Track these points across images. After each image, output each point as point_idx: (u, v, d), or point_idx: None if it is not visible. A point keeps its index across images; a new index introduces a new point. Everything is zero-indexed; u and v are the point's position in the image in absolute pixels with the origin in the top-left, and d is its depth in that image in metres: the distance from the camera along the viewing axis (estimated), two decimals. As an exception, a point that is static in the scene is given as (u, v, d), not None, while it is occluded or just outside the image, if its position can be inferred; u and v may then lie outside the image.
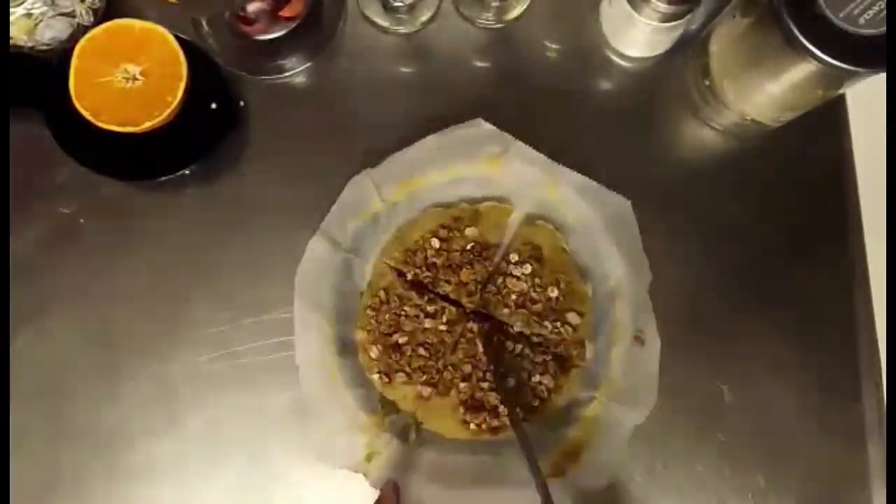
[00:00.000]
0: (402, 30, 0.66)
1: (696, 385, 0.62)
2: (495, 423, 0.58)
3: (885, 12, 0.49)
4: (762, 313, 0.63)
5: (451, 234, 0.61)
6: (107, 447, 0.60)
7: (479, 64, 0.67)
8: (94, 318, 0.62)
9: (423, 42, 0.67)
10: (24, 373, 0.60)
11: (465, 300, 0.60)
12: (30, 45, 0.61)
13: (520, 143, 0.61)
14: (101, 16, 0.63)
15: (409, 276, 0.60)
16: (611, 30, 0.65)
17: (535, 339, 0.60)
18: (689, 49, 0.66)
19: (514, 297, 0.60)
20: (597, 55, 0.67)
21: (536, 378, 0.59)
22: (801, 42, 0.50)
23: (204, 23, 0.65)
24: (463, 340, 0.60)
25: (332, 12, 0.66)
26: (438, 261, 0.60)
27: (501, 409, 0.58)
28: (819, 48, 0.49)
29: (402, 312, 0.60)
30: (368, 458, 0.58)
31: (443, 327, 0.60)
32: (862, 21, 0.49)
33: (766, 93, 0.59)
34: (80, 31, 0.61)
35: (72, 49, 0.57)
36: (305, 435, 0.58)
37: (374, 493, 0.56)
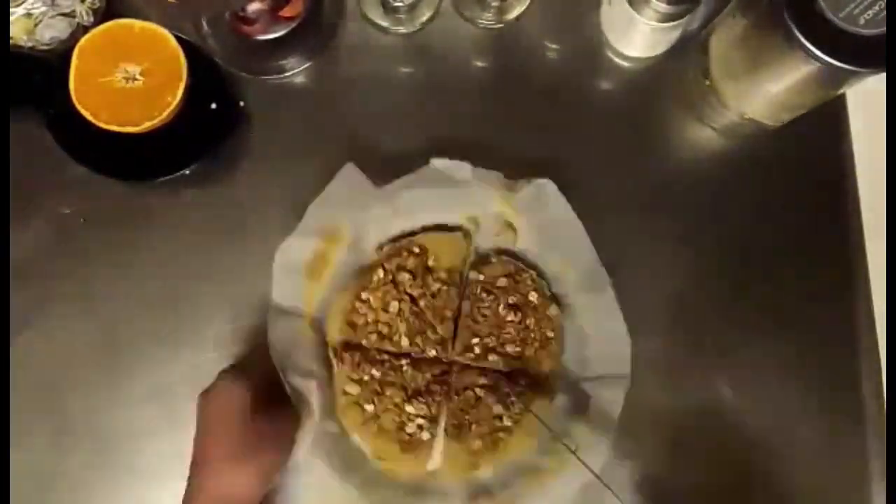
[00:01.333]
0: (402, 30, 0.66)
1: (696, 385, 0.62)
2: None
3: (885, 12, 0.49)
4: (762, 313, 0.63)
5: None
6: (107, 447, 0.60)
7: (479, 64, 0.67)
8: (94, 318, 0.62)
9: (423, 42, 0.67)
10: (24, 373, 0.60)
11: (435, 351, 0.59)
12: (30, 45, 0.61)
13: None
14: (101, 16, 0.63)
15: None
16: (611, 30, 0.65)
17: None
18: (689, 49, 0.66)
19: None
20: (597, 55, 0.67)
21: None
22: (801, 42, 0.50)
23: (204, 23, 0.65)
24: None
25: (332, 12, 0.66)
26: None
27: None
28: (819, 48, 0.49)
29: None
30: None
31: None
32: (862, 21, 0.49)
33: (767, 93, 0.59)
34: (80, 31, 0.61)
35: (72, 49, 0.57)
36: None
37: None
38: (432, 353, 0.58)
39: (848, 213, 0.64)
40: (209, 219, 0.63)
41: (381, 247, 0.61)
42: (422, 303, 0.59)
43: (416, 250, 0.60)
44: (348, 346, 0.59)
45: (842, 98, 0.64)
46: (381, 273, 0.59)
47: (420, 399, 0.57)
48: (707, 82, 0.64)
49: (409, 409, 0.57)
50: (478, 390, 0.58)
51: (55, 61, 0.60)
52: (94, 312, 0.62)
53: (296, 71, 0.66)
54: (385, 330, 0.58)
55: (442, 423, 0.58)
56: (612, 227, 0.63)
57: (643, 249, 0.63)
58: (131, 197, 0.63)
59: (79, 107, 0.57)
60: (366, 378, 0.58)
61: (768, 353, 0.62)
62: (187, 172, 0.62)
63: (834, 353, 0.62)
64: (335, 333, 0.59)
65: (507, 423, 0.58)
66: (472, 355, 0.59)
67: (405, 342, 0.58)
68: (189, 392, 0.60)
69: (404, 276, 0.59)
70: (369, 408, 0.57)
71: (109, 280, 0.62)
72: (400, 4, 0.63)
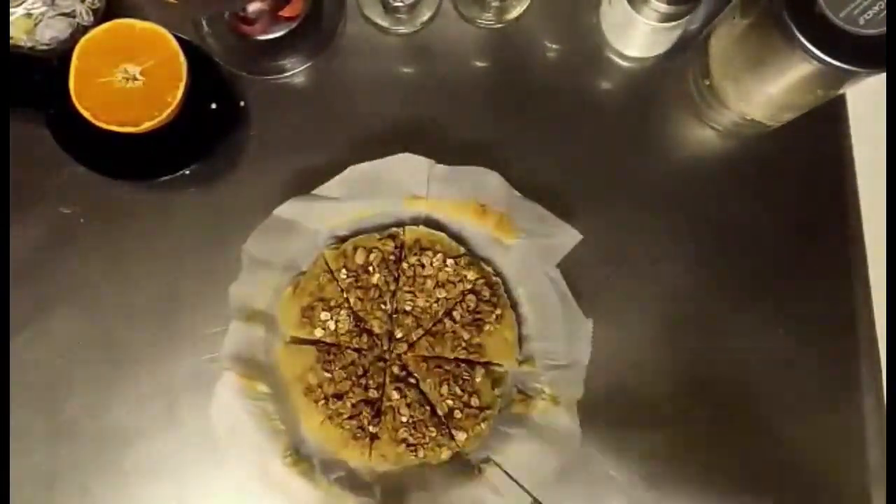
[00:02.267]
0: (402, 30, 0.66)
1: (696, 385, 0.62)
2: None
3: (885, 12, 0.49)
4: (762, 313, 0.63)
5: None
6: (106, 447, 0.60)
7: (479, 64, 0.67)
8: (93, 318, 0.62)
9: (423, 42, 0.67)
10: (24, 373, 0.60)
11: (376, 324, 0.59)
12: (30, 45, 0.61)
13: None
14: (101, 16, 0.63)
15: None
16: (611, 30, 0.65)
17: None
18: (689, 49, 0.66)
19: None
20: (597, 55, 0.67)
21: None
22: (801, 42, 0.49)
23: (204, 23, 0.65)
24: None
25: (332, 12, 0.66)
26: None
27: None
28: (819, 48, 0.49)
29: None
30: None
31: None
32: (862, 21, 0.49)
33: (766, 93, 0.59)
34: (80, 31, 0.61)
35: (72, 49, 0.57)
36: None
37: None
38: (374, 349, 0.58)
39: (848, 212, 0.64)
40: (209, 218, 0.63)
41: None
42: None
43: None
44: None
45: (842, 98, 0.64)
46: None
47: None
48: (707, 82, 0.64)
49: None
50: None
51: (55, 61, 0.60)
52: (94, 312, 0.62)
53: (296, 71, 0.66)
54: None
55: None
56: (611, 225, 0.63)
57: (642, 248, 0.63)
58: (131, 197, 0.63)
59: (79, 107, 0.57)
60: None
61: (768, 351, 0.62)
62: (187, 172, 0.62)
63: (833, 351, 0.62)
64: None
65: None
66: (405, 346, 0.58)
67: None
68: (188, 392, 0.61)
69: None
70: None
71: (109, 280, 0.62)
72: (400, 4, 0.63)
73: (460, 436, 0.57)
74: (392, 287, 0.59)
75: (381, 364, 0.58)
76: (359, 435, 0.57)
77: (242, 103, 0.65)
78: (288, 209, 0.59)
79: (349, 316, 0.58)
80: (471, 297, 0.58)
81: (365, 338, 0.58)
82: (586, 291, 0.61)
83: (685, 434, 0.61)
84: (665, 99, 0.66)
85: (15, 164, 0.61)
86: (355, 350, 0.58)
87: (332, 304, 0.58)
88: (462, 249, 0.60)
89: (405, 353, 0.59)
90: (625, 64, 0.67)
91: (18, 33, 0.61)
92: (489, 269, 0.60)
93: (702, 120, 0.66)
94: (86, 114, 0.57)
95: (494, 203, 0.60)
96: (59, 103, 0.58)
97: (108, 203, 0.63)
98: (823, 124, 0.64)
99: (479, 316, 0.58)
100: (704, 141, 0.66)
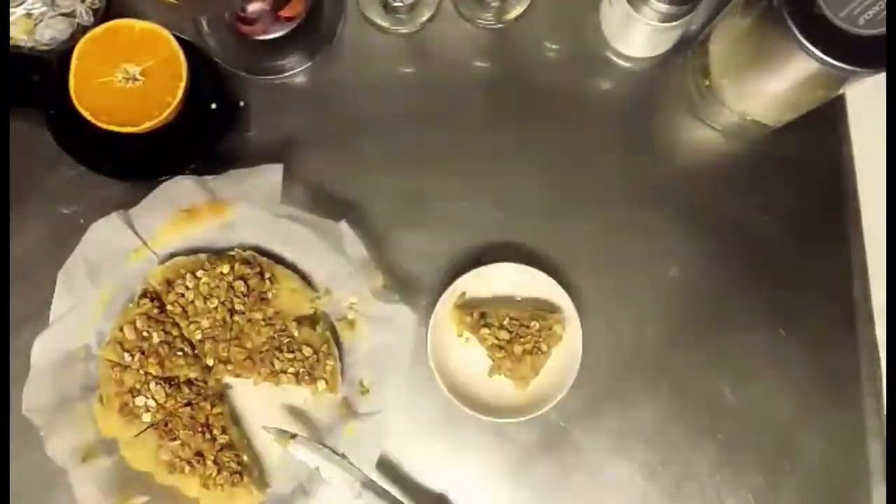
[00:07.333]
0: (402, 30, 0.66)
1: (696, 385, 0.62)
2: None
3: (885, 12, 0.49)
4: (762, 313, 0.63)
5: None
6: (107, 447, 0.60)
7: (479, 64, 0.67)
8: (94, 318, 0.62)
9: (423, 42, 0.67)
10: (24, 373, 0.60)
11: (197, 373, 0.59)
12: (30, 45, 0.61)
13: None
14: (101, 16, 0.63)
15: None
16: (611, 30, 0.65)
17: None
18: (689, 49, 0.66)
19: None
20: (597, 55, 0.67)
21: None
22: (801, 42, 0.49)
23: (204, 23, 0.65)
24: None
25: (332, 12, 0.66)
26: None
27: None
28: (819, 48, 0.49)
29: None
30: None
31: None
32: (862, 21, 0.49)
33: (767, 93, 0.59)
34: (80, 31, 0.61)
35: (72, 49, 0.57)
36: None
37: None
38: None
39: (848, 212, 0.64)
40: (209, 219, 0.63)
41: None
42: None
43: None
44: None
45: (842, 98, 0.64)
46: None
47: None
48: (707, 82, 0.64)
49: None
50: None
51: (55, 61, 0.60)
52: (94, 312, 0.62)
53: (296, 71, 0.66)
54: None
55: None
56: (610, 225, 0.63)
57: (642, 248, 0.63)
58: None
59: (79, 107, 0.57)
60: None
61: (768, 352, 0.62)
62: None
63: (834, 352, 0.62)
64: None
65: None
66: (222, 366, 0.58)
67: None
68: (189, 392, 0.60)
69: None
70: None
71: (109, 280, 0.62)
72: (400, 4, 0.63)
73: (321, 385, 0.58)
74: (174, 332, 0.58)
75: (219, 398, 0.59)
76: (241, 478, 0.57)
77: (242, 103, 0.65)
78: (39, 352, 0.58)
79: (158, 384, 0.57)
80: (238, 283, 0.58)
81: (186, 389, 0.58)
82: (585, 290, 0.61)
83: (684, 433, 0.61)
84: (665, 99, 0.66)
85: (15, 164, 0.61)
86: (186, 405, 0.58)
87: (139, 386, 0.57)
88: (203, 256, 0.59)
89: (228, 371, 0.59)
90: (625, 64, 0.67)
91: (18, 33, 0.61)
92: (236, 251, 0.60)
93: (702, 120, 0.66)
94: (86, 114, 0.57)
95: (195, 199, 0.59)
96: (59, 103, 0.58)
97: (108, 203, 0.63)
98: (823, 124, 0.64)
99: (255, 292, 0.59)
100: (704, 141, 0.66)
